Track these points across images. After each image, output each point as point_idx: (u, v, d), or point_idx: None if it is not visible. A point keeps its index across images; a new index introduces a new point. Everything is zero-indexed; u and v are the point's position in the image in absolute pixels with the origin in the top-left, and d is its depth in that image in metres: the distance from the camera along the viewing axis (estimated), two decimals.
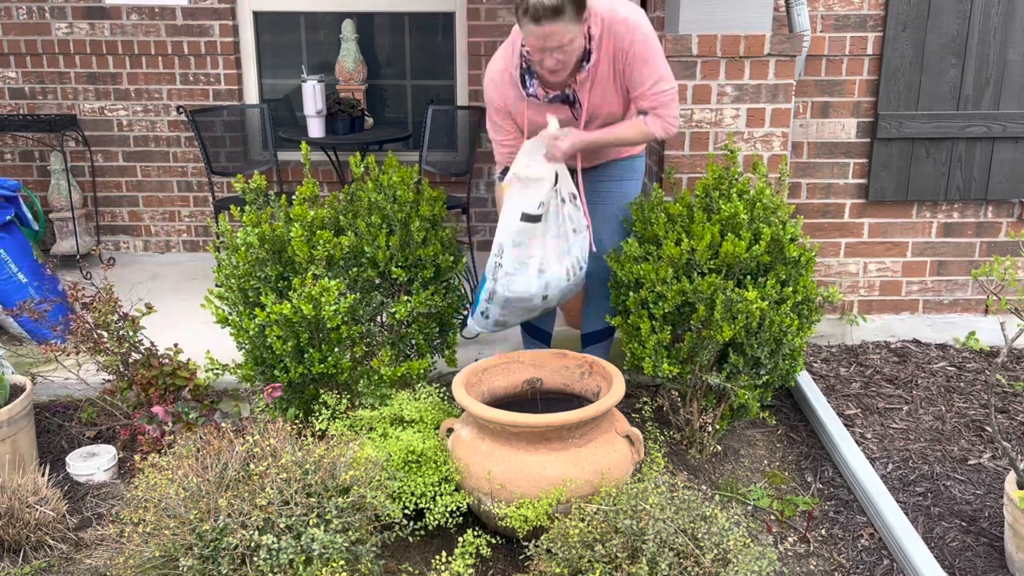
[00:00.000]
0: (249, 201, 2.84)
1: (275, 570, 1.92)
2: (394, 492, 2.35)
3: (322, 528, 1.99)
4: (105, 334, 2.93)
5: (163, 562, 1.99)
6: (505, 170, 2.82)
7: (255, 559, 1.92)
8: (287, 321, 2.55)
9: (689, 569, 1.94)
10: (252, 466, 2.09)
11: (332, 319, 2.56)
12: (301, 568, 1.94)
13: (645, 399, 3.06)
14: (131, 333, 2.93)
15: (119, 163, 4.91)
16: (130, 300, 4.15)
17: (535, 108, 2.75)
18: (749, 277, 2.76)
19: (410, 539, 2.48)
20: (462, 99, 4.91)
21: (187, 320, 3.88)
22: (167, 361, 2.95)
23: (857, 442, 2.99)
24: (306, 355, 2.64)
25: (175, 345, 3.04)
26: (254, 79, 4.92)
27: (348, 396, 2.69)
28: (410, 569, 2.38)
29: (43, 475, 2.65)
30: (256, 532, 1.94)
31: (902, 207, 3.79)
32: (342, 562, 1.98)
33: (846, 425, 3.09)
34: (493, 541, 2.38)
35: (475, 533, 2.34)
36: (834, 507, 2.70)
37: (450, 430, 2.58)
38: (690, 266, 2.76)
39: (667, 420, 3.07)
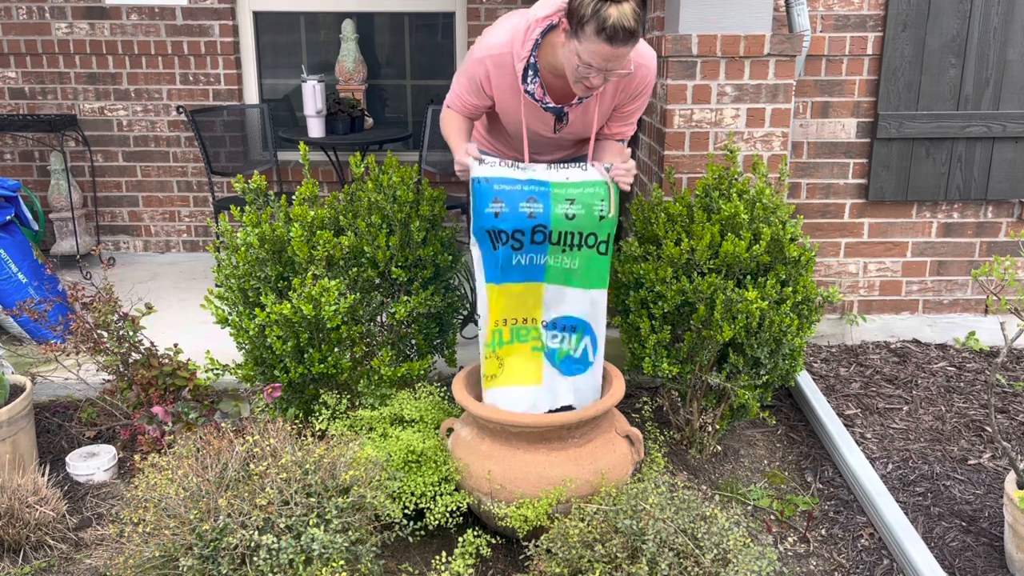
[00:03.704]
0: (249, 201, 2.84)
1: (275, 570, 1.92)
2: (394, 492, 2.35)
3: (322, 528, 1.99)
4: (105, 334, 2.93)
5: (163, 562, 1.99)
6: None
7: (255, 559, 1.92)
8: (287, 321, 2.55)
9: (689, 569, 1.94)
10: (252, 466, 2.09)
11: (332, 319, 2.56)
12: (301, 568, 1.94)
13: (645, 399, 3.06)
14: (131, 333, 2.93)
15: (119, 163, 4.92)
16: (130, 300, 4.16)
17: (529, 107, 2.57)
18: (749, 277, 2.76)
19: (410, 539, 2.48)
20: None
21: (187, 320, 3.88)
22: (167, 361, 2.95)
23: (857, 442, 2.99)
24: (306, 355, 2.64)
25: (175, 345, 3.04)
26: (254, 79, 4.92)
27: (348, 396, 2.69)
28: (410, 569, 2.38)
29: (43, 475, 2.65)
30: (256, 532, 1.94)
31: (902, 207, 3.79)
32: (342, 562, 1.98)
33: (846, 425, 3.09)
34: (493, 541, 2.38)
35: (475, 533, 2.34)
36: (834, 507, 2.70)
37: (450, 430, 2.58)
38: (690, 266, 2.76)
39: (667, 420, 3.07)
